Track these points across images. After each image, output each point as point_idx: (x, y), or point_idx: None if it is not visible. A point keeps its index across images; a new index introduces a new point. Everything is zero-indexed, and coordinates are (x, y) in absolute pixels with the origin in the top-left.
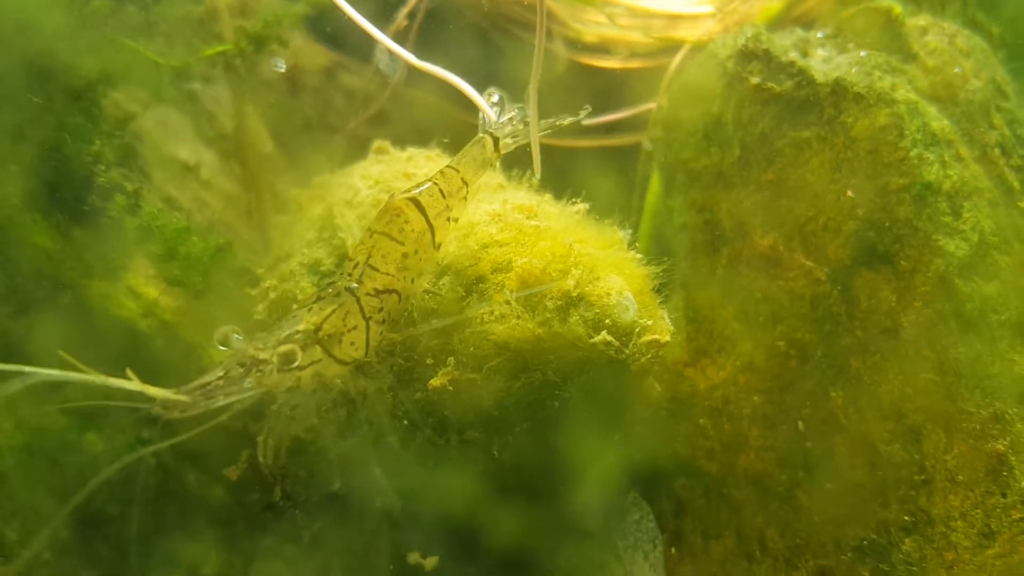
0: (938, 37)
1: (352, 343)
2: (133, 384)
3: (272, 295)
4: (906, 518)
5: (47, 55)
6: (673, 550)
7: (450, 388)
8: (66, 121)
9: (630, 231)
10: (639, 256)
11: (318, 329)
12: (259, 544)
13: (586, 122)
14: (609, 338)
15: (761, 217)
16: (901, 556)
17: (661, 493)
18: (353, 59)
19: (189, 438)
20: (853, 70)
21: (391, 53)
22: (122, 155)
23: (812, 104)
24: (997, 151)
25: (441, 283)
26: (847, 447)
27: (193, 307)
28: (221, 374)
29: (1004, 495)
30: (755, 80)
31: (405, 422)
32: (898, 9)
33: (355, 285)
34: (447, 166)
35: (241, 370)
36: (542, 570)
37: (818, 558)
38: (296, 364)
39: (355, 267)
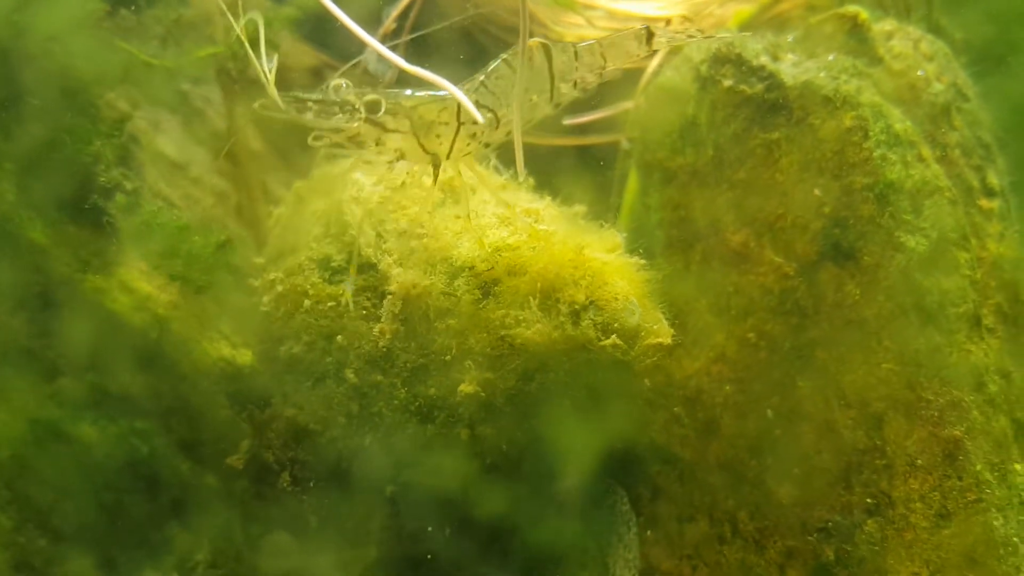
0: (903, 42)
1: (438, 136)
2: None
3: (279, 288)
4: (868, 500)
5: (47, 58)
6: (649, 533)
7: (482, 394)
8: (65, 121)
9: (625, 234)
10: (640, 261)
11: (414, 108)
12: (250, 530)
13: (566, 121)
14: (618, 341)
15: (733, 214)
16: (864, 536)
17: (638, 479)
18: (341, 60)
19: None
20: (821, 74)
21: (379, 55)
22: (121, 155)
23: (781, 106)
24: (958, 151)
25: (456, 284)
26: (813, 434)
27: (186, 301)
28: (318, 98)
29: (960, 478)
30: (727, 83)
31: (416, 417)
32: (865, 15)
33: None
34: (595, 40)
35: (334, 108)
36: (524, 549)
37: (786, 539)
38: (380, 113)
39: (470, 80)
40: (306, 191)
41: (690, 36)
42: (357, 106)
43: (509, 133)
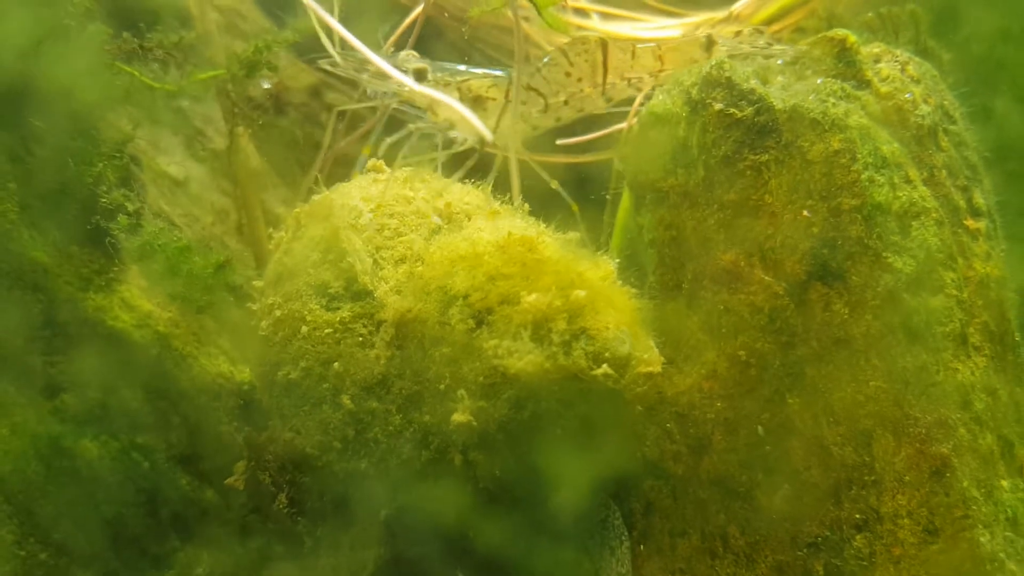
0: (890, 64)
1: (486, 110)
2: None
3: (277, 313)
4: (857, 516)
5: (50, 80)
6: (642, 547)
7: (475, 424)
8: (68, 144)
9: (618, 260)
10: (632, 290)
11: (464, 80)
12: (249, 545)
13: (559, 142)
14: (609, 371)
15: (724, 234)
16: (852, 551)
17: (630, 494)
18: (339, 79)
19: None
20: (810, 97)
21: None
22: (123, 176)
23: (771, 129)
24: (944, 172)
25: (450, 313)
26: (803, 450)
27: (185, 319)
28: (381, 60)
29: (947, 495)
30: (718, 106)
31: (411, 443)
32: (853, 39)
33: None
34: (655, 43)
35: (391, 71)
36: (517, 568)
37: (776, 554)
38: (426, 81)
39: (528, 67)
40: (305, 216)
41: (754, 47)
42: (406, 71)
43: (559, 119)
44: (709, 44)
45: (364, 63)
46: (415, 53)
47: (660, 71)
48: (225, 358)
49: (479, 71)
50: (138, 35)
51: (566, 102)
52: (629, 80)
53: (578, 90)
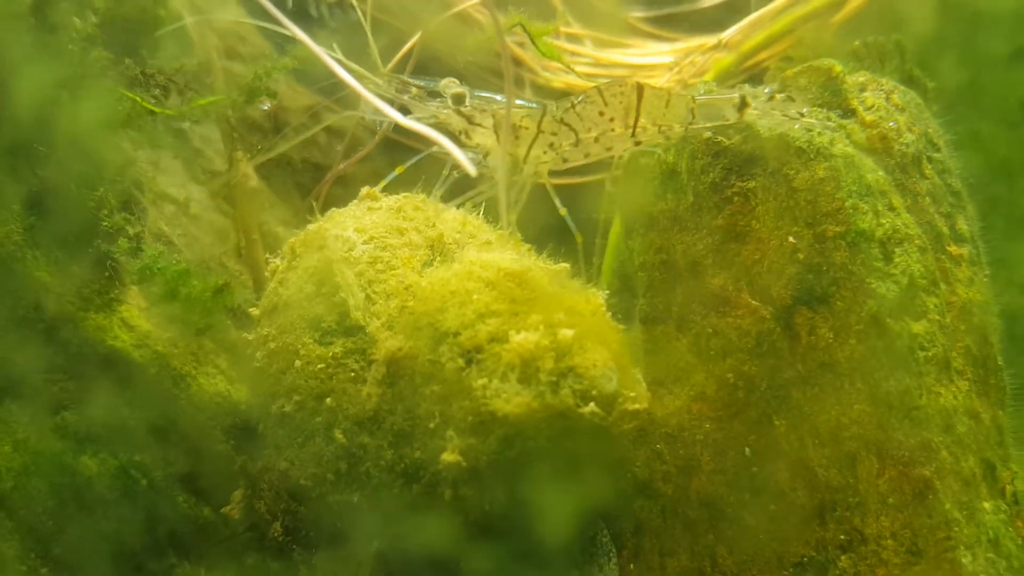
0: (875, 93)
1: (518, 138)
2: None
3: (272, 344)
4: (842, 537)
5: (53, 105)
6: (632, 566)
7: (463, 464)
8: (71, 167)
9: (607, 291)
10: (620, 326)
11: (499, 108)
12: (245, 563)
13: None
14: (596, 409)
15: (712, 259)
16: (837, 572)
17: (620, 514)
18: (336, 102)
19: None
20: (796, 126)
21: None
22: (124, 200)
23: (758, 157)
24: (928, 199)
25: (440, 351)
26: (789, 471)
27: (184, 339)
28: (421, 84)
29: (930, 516)
30: (706, 134)
31: (402, 478)
32: (838, 68)
33: (553, 107)
34: (691, 94)
35: (430, 97)
36: None
37: (763, 574)
38: (466, 106)
39: (564, 101)
40: (300, 245)
41: (785, 115)
42: (444, 95)
43: (587, 155)
44: (742, 105)
45: (408, 86)
46: (455, 80)
47: (691, 124)
48: (223, 378)
49: (516, 101)
50: (139, 62)
51: (596, 139)
52: (660, 127)
53: (609, 129)
